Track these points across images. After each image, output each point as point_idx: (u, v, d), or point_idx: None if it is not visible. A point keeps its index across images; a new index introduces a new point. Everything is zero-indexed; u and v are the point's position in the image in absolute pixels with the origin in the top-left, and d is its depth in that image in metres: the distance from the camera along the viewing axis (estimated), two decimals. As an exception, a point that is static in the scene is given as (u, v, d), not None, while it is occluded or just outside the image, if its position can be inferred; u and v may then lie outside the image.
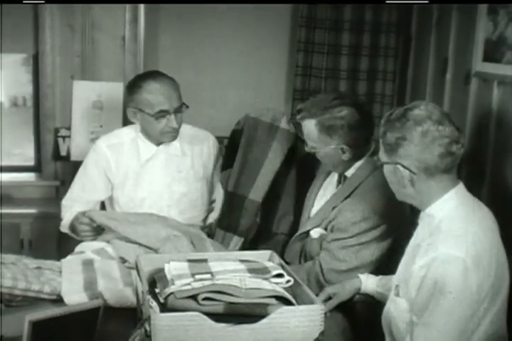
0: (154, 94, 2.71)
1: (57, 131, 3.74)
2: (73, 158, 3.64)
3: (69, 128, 3.71)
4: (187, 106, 2.78)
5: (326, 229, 2.54)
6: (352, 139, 2.48)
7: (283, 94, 4.05)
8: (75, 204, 2.86)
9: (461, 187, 2.03)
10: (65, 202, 2.95)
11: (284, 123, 2.87)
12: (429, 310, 1.88)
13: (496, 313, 1.96)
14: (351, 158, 2.52)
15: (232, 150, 2.93)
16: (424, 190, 2.00)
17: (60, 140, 3.74)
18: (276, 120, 2.87)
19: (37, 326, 1.74)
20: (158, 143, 2.87)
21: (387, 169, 2.06)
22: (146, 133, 2.84)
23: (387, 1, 3.57)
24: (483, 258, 1.89)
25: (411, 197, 2.06)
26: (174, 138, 2.83)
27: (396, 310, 2.03)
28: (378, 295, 2.33)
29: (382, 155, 2.05)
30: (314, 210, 2.66)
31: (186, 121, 3.08)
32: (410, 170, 1.97)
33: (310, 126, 2.49)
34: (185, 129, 2.89)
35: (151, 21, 3.73)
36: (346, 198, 2.51)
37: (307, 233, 2.60)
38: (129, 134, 2.90)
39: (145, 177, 2.88)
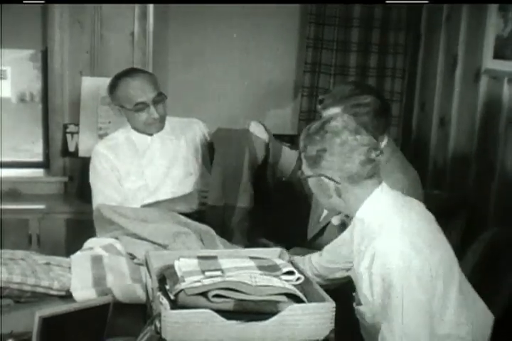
0: (130, 88, 2.84)
1: (65, 127, 3.74)
2: (81, 154, 3.65)
3: (77, 124, 3.71)
4: (165, 96, 2.88)
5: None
6: (374, 126, 2.48)
7: (291, 91, 4.04)
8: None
9: (383, 185, 2.05)
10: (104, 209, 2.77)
11: (253, 127, 2.86)
12: (386, 305, 1.89)
13: (457, 295, 1.98)
14: None
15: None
16: (351, 198, 2.03)
17: (69, 136, 3.74)
18: (246, 125, 2.88)
19: (47, 322, 1.74)
20: (151, 133, 2.95)
21: (311, 182, 2.08)
22: (134, 126, 2.94)
23: (387, 1, 3.56)
24: (419, 243, 1.91)
25: (339, 206, 2.09)
26: (160, 128, 2.94)
27: (363, 319, 2.05)
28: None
29: (306, 169, 2.07)
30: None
31: (194, 115, 3.13)
32: (334, 180, 1.99)
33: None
34: (172, 120, 3.01)
35: (159, 17, 3.73)
36: None
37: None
38: (122, 134, 2.99)
39: (146, 167, 2.94)
